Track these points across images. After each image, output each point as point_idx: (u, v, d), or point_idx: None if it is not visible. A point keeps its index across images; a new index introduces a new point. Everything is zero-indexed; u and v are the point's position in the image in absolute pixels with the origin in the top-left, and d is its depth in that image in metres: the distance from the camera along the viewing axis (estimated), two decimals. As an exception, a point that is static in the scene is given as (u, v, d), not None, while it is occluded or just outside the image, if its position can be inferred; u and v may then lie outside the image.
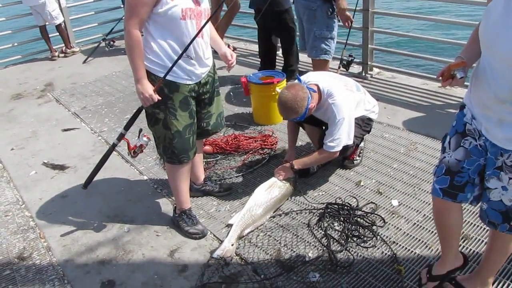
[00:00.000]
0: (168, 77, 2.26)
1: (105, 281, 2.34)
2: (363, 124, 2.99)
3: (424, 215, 2.59)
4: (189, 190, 2.69)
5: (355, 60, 4.45)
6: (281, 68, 4.86)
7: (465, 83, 1.67)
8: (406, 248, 2.36)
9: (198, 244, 2.54)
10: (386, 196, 2.80)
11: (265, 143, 3.50)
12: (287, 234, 2.54)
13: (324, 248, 2.39)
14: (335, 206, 2.70)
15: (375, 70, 4.83)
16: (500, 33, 1.42)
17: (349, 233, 2.48)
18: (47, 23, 6.42)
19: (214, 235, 2.60)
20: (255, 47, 5.96)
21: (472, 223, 2.48)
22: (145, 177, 3.28)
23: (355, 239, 2.44)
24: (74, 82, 5.53)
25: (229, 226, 2.59)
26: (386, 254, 2.33)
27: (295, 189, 2.87)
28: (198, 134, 2.57)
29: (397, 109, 3.95)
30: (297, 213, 2.72)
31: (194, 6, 2.23)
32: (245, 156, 3.39)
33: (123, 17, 2.28)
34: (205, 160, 3.28)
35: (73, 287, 2.33)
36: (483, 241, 2.34)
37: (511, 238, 1.80)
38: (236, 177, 3.15)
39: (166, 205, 2.92)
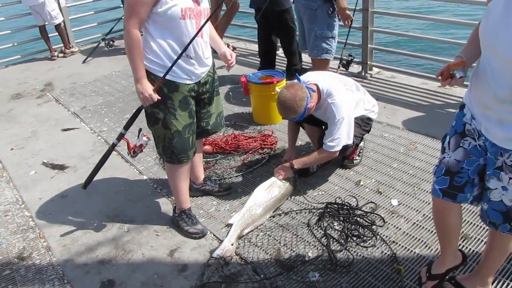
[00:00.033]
0: (167, 77, 2.26)
1: (105, 281, 2.34)
2: (363, 124, 2.99)
3: (424, 214, 2.60)
4: (189, 190, 2.69)
5: (354, 59, 4.45)
6: (281, 67, 4.87)
7: (465, 82, 1.67)
8: (405, 247, 2.36)
9: (197, 244, 2.54)
10: (386, 196, 2.80)
11: (265, 142, 3.51)
12: (286, 234, 2.55)
13: (324, 248, 2.39)
14: (335, 205, 2.70)
15: (375, 69, 4.83)
16: (500, 32, 1.42)
17: (348, 232, 2.48)
18: (46, 23, 6.41)
19: (214, 235, 2.60)
20: (254, 47, 5.97)
21: (471, 222, 2.49)
22: (145, 177, 3.28)
23: (354, 238, 2.44)
24: (74, 82, 5.53)
25: (229, 225, 2.59)
26: (385, 253, 2.34)
27: (295, 188, 2.87)
28: (197, 133, 2.57)
29: (396, 108, 3.95)
30: (296, 213, 2.72)
31: (193, 6, 2.23)
32: (245, 155, 3.39)
33: (123, 17, 2.28)
34: (204, 159, 3.28)
35: (73, 287, 2.33)
36: (482, 240, 2.34)
37: (510, 237, 1.81)
38: (236, 176, 3.15)
39: (165, 205, 2.92)
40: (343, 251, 2.36)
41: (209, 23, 2.36)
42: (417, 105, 4.00)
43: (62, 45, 6.66)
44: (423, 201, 2.71)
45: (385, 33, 5.55)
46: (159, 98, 2.27)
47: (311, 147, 3.36)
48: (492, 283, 2.03)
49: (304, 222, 2.62)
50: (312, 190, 2.93)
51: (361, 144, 3.19)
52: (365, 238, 2.44)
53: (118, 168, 3.41)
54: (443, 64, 1.64)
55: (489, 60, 1.52)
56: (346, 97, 2.77)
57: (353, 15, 3.98)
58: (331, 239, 2.45)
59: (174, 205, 2.69)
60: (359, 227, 2.52)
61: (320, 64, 3.89)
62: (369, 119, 3.04)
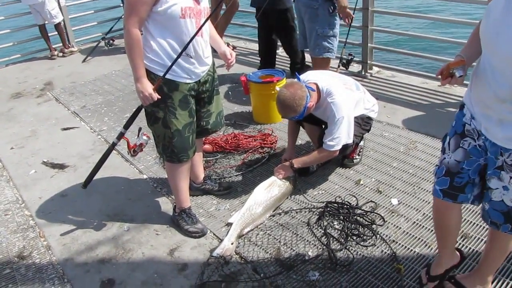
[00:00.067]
0: (167, 76, 2.26)
1: (105, 280, 2.34)
2: (363, 123, 2.99)
3: (424, 213, 2.60)
4: (189, 189, 2.69)
5: (354, 59, 4.45)
6: (281, 67, 4.86)
7: (465, 82, 1.67)
8: (405, 246, 2.36)
9: (197, 243, 2.54)
10: (386, 195, 2.80)
11: (265, 142, 3.51)
12: (286, 233, 2.55)
13: (324, 247, 2.39)
14: (335, 204, 2.70)
15: (375, 69, 4.83)
16: (501, 31, 1.42)
17: (348, 232, 2.48)
18: (46, 22, 6.41)
19: (214, 234, 2.60)
20: (254, 46, 5.97)
21: (471, 221, 2.49)
22: (145, 176, 3.28)
23: (354, 237, 2.44)
24: (74, 81, 5.53)
25: (229, 225, 2.59)
26: (385, 252, 2.34)
27: (295, 187, 2.87)
28: (197, 133, 2.57)
29: (396, 108, 3.95)
30: (296, 212, 2.72)
31: (193, 5, 2.23)
32: (245, 155, 3.39)
33: (123, 16, 2.28)
34: (204, 159, 3.28)
35: (72, 286, 2.33)
36: (482, 239, 2.35)
37: (511, 237, 1.81)
38: (236, 176, 3.15)
39: (165, 204, 2.92)
40: (343, 250, 2.37)
41: (209, 22, 2.36)
42: (417, 104, 4.00)
43: (61, 44, 6.65)
44: (423, 200, 2.71)
45: (385, 32, 5.55)
46: (159, 97, 2.27)
47: (311, 146, 3.36)
48: (492, 282, 2.03)
49: (304, 221, 2.62)
50: (312, 189, 2.93)
51: (361, 143, 3.19)
52: (365, 237, 2.44)
53: (118, 167, 3.41)
54: (443, 63, 1.64)
55: (490, 59, 1.52)
56: (346, 97, 2.77)
57: (353, 14, 3.99)
58: (331, 238, 2.45)
59: (174, 204, 2.70)
60: (359, 226, 2.52)
61: (321, 63, 3.90)
62: (369, 118, 3.04)
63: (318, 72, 3.05)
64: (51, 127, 4.30)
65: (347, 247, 2.38)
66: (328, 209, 2.67)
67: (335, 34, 3.81)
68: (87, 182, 2.58)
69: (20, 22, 7.18)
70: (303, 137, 3.43)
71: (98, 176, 2.65)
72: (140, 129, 2.57)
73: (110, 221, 2.80)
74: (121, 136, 2.51)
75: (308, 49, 4.01)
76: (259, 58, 4.99)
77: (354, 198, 2.78)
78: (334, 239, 2.45)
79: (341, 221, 2.58)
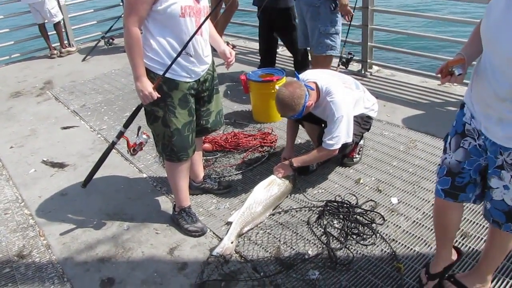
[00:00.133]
0: (167, 75, 2.26)
1: (105, 279, 2.34)
2: (363, 122, 2.99)
3: (424, 212, 2.60)
4: (189, 188, 2.69)
5: (354, 58, 4.45)
6: (281, 66, 4.86)
7: (465, 81, 1.67)
8: (405, 245, 2.37)
9: (197, 242, 2.54)
10: (386, 194, 2.80)
11: (265, 141, 3.50)
12: (286, 232, 2.55)
13: (324, 246, 2.39)
14: (335, 203, 2.70)
15: (375, 68, 4.83)
16: (502, 30, 1.42)
17: (348, 231, 2.48)
18: (46, 21, 6.40)
19: (214, 233, 2.60)
20: (254, 45, 5.97)
21: (471, 220, 2.49)
22: (145, 175, 3.28)
23: (354, 236, 2.44)
24: (73, 80, 5.53)
25: (229, 223, 2.59)
26: (385, 251, 2.34)
27: (294, 186, 2.87)
28: (197, 132, 2.56)
29: (396, 107, 3.95)
30: (296, 211, 2.72)
31: (193, 4, 2.22)
32: (245, 154, 3.39)
33: (122, 15, 2.27)
34: (204, 158, 3.28)
35: (72, 285, 2.33)
36: (482, 238, 2.35)
37: (510, 236, 1.81)
38: (236, 175, 3.15)
39: (165, 203, 2.92)
40: (343, 249, 2.37)
41: (208, 21, 2.36)
42: (417, 103, 4.00)
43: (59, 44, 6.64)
44: (423, 199, 2.71)
45: (385, 31, 5.54)
46: (159, 96, 2.27)
47: (311, 145, 3.36)
48: (492, 281, 2.03)
49: (304, 220, 2.62)
50: (312, 188, 2.93)
51: (361, 142, 3.19)
52: (365, 236, 2.44)
53: (117, 166, 3.41)
54: (443, 62, 1.64)
55: (490, 58, 1.52)
56: (345, 96, 2.76)
57: (353, 13, 4.00)
58: (331, 237, 2.46)
59: (174, 203, 2.70)
60: (359, 225, 2.52)
61: (324, 61, 3.92)
62: (369, 117, 3.04)
63: (318, 71, 3.05)
64: (51, 126, 4.29)
65: (347, 246, 2.38)
66: (328, 208, 2.67)
67: (337, 31, 3.83)
68: (87, 181, 2.58)
69: (20, 21, 7.16)
70: (303, 136, 3.43)
71: (97, 175, 2.65)
72: (139, 128, 2.57)
73: (110, 220, 2.80)
74: (120, 135, 2.51)
75: (309, 48, 4.01)
76: (259, 57, 4.99)
77: (354, 197, 2.78)
78: (334, 238, 2.45)
79: (341, 220, 2.58)
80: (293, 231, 2.55)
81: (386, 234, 2.45)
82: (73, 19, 7.06)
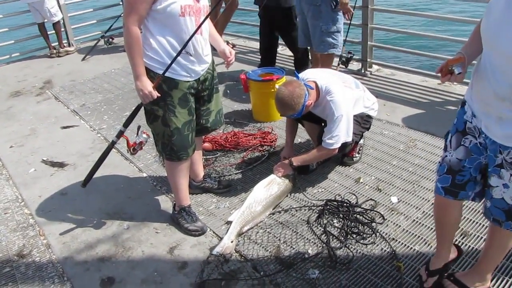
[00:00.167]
0: (167, 74, 2.26)
1: (105, 278, 2.34)
2: (362, 121, 2.98)
3: (424, 211, 2.60)
4: (189, 187, 2.69)
5: (354, 57, 4.45)
6: (281, 65, 4.85)
7: (466, 80, 1.67)
8: (405, 245, 2.37)
9: (197, 241, 2.54)
10: (386, 193, 2.80)
11: (265, 140, 3.51)
12: (286, 231, 2.55)
13: (324, 245, 2.39)
14: (335, 203, 2.70)
15: (375, 67, 4.83)
16: (502, 30, 1.42)
17: (348, 230, 2.48)
18: (45, 20, 6.39)
19: (214, 232, 2.60)
20: (254, 44, 5.97)
21: (471, 219, 2.49)
22: (145, 174, 3.28)
23: (354, 236, 2.44)
24: (73, 80, 5.52)
25: (229, 223, 2.59)
26: (385, 250, 2.34)
27: (294, 186, 2.87)
28: (197, 131, 2.56)
29: (396, 106, 3.95)
30: (296, 210, 2.72)
31: (193, 3, 2.22)
32: (245, 153, 3.39)
33: (122, 14, 2.27)
34: (204, 157, 3.28)
35: (72, 284, 2.33)
36: (482, 237, 2.35)
37: (510, 234, 1.81)
38: (236, 174, 3.15)
39: (165, 202, 2.92)
40: (343, 248, 2.37)
41: (208, 20, 2.36)
42: (417, 103, 4.00)
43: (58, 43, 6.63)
44: (423, 198, 2.71)
45: (385, 30, 5.54)
46: (159, 95, 2.27)
47: (311, 144, 3.36)
48: (491, 280, 2.03)
49: (303, 219, 2.62)
50: (312, 187, 2.93)
51: (361, 141, 3.19)
52: (364, 235, 2.44)
53: (117, 165, 3.41)
54: (443, 61, 1.64)
55: (490, 57, 1.52)
56: (345, 95, 2.76)
57: (353, 11, 4.02)
58: (331, 236, 2.46)
59: (174, 202, 2.70)
60: (358, 225, 2.52)
61: (326, 59, 3.94)
62: (369, 116, 3.04)
63: (318, 70, 3.05)
64: (51, 125, 4.29)
65: (347, 245, 2.38)
66: (328, 207, 2.67)
67: (339, 29, 3.85)
68: (87, 181, 2.58)
69: (19, 20, 7.15)
70: (302, 135, 3.43)
71: (97, 174, 2.64)
72: (139, 127, 2.57)
73: (110, 220, 2.80)
74: (120, 134, 2.51)
75: (309, 47, 4.02)
76: (259, 56, 4.99)
77: (354, 196, 2.78)
78: (334, 237, 2.45)
79: (341, 219, 2.58)
80: (293, 230, 2.55)
81: (386, 233, 2.45)
82: (73, 18, 7.05)
